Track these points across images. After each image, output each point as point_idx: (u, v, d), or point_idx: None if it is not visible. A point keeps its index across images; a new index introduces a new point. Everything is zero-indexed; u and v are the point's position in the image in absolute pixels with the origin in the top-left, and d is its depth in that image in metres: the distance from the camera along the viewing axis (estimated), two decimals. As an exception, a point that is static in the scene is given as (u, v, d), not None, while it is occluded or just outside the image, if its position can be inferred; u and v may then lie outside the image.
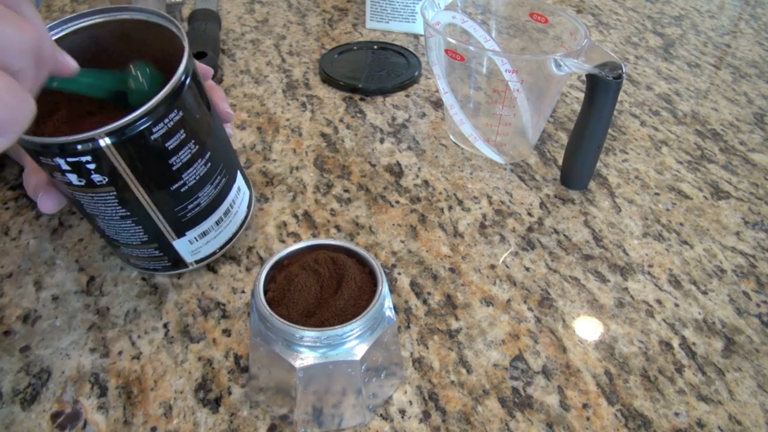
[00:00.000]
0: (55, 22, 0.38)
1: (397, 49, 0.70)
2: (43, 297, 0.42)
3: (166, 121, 0.34)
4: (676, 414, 0.36)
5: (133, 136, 0.33)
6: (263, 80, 0.65)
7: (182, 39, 0.36)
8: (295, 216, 0.49)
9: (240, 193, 0.44)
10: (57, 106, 0.40)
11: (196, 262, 0.43)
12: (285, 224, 0.48)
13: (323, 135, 0.58)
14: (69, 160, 0.32)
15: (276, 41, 0.73)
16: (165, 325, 0.40)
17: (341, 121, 0.60)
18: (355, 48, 0.71)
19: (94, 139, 0.32)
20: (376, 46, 0.71)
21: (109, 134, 0.32)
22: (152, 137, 0.33)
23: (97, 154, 0.32)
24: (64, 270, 0.44)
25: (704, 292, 0.44)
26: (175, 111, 0.34)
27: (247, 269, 0.44)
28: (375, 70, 0.66)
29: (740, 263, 0.47)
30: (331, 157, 0.55)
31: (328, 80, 0.65)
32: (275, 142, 0.57)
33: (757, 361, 0.40)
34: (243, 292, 0.43)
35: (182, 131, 0.35)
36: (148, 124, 0.33)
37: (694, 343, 0.41)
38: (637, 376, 0.38)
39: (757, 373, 0.39)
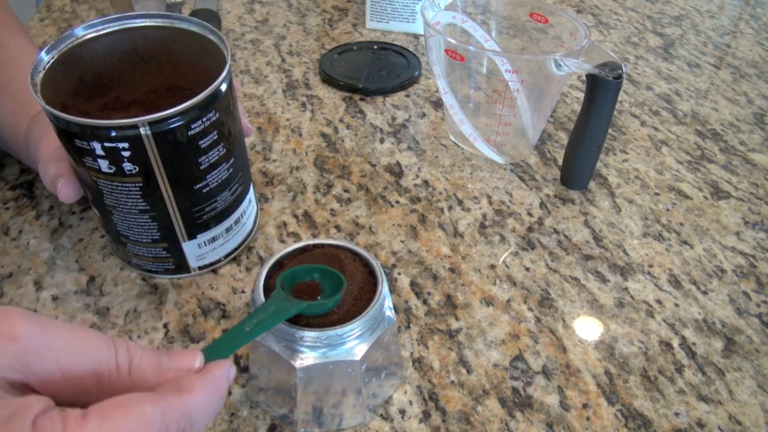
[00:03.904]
0: (97, 20, 0.40)
1: (397, 49, 0.70)
2: (43, 297, 0.42)
3: (204, 120, 0.35)
4: (676, 414, 0.36)
5: (173, 129, 0.34)
6: (263, 80, 0.65)
7: (225, 49, 0.38)
8: (295, 216, 0.49)
9: (251, 205, 0.45)
10: (96, 94, 0.41)
11: (199, 268, 0.43)
12: (285, 224, 0.48)
13: (323, 135, 0.58)
14: (105, 145, 0.34)
15: (276, 41, 0.73)
16: (165, 325, 0.40)
17: (341, 121, 0.60)
18: (355, 48, 0.71)
19: (135, 126, 0.33)
20: (376, 46, 0.71)
21: (151, 123, 0.33)
22: (189, 133, 0.35)
23: (135, 141, 0.34)
24: (64, 270, 0.44)
25: (704, 292, 0.44)
26: (213, 112, 0.36)
27: (247, 269, 0.44)
28: (375, 70, 0.66)
29: (740, 263, 0.47)
30: (331, 157, 0.55)
31: (328, 80, 0.65)
32: (275, 142, 0.57)
33: (757, 361, 0.40)
34: (243, 292, 0.43)
35: (215, 132, 0.37)
36: (188, 119, 0.34)
37: (694, 343, 0.41)
38: (637, 376, 0.38)
39: (757, 373, 0.39)
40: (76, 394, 0.21)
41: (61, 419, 0.18)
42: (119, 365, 0.22)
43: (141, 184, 0.36)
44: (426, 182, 0.53)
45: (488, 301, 0.43)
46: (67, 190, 0.39)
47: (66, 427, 0.18)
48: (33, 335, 0.20)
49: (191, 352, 0.24)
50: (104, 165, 0.35)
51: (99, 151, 0.34)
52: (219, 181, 0.39)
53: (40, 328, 0.20)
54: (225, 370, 0.24)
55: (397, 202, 0.51)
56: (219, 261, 0.44)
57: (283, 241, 0.47)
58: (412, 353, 0.39)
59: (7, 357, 0.19)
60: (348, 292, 0.32)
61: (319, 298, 0.32)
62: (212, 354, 0.25)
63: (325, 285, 0.33)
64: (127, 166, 0.35)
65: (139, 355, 0.23)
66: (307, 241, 0.36)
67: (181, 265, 0.42)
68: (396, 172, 0.54)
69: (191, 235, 0.40)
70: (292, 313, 0.30)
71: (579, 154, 0.50)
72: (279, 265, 0.34)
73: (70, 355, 0.21)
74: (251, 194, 0.45)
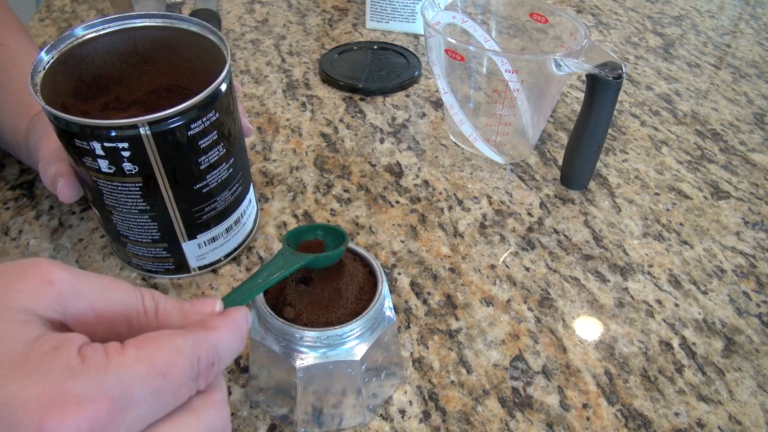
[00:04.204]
0: (97, 20, 0.40)
1: (397, 49, 0.70)
2: (43, 297, 0.42)
3: (204, 120, 0.35)
4: (676, 414, 0.37)
5: (173, 129, 0.34)
6: (263, 80, 0.65)
7: (225, 49, 0.38)
8: (295, 216, 0.49)
9: (251, 205, 0.45)
10: (95, 94, 0.41)
11: (199, 268, 0.43)
12: (285, 224, 0.48)
13: (323, 135, 0.58)
14: (105, 144, 0.34)
15: (276, 41, 0.73)
16: (165, 325, 0.40)
17: (341, 121, 0.60)
18: (355, 48, 0.71)
19: (135, 126, 0.33)
20: (376, 46, 0.71)
21: (151, 123, 0.33)
22: (189, 133, 0.35)
23: (135, 141, 0.34)
24: (64, 270, 0.44)
25: (704, 292, 0.44)
26: (213, 112, 0.36)
27: (247, 269, 0.44)
28: (375, 70, 0.66)
29: (740, 263, 0.47)
30: (331, 157, 0.55)
31: (328, 80, 0.65)
32: (275, 142, 0.57)
33: (757, 361, 0.40)
34: (243, 292, 0.43)
35: (215, 133, 0.37)
36: (188, 119, 0.34)
37: (694, 343, 0.41)
38: (637, 376, 0.38)
39: (757, 373, 0.39)
40: (109, 335, 0.22)
41: (103, 348, 0.20)
42: (146, 308, 0.24)
43: (141, 184, 0.36)
44: (426, 182, 0.53)
45: (488, 301, 0.43)
46: (67, 190, 0.39)
47: (108, 353, 0.20)
48: (67, 280, 0.22)
49: (210, 299, 0.26)
50: (104, 165, 0.35)
51: (99, 151, 0.34)
52: (219, 181, 0.39)
53: (73, 274, 0.22)
54: (244, 313, 0.26)
55: (397, 202, 0.51)
56: (219, 261, 0.44)
57: (283, 241, 0.47)
58: (412, 353, 0.39)
59: (46, 298, 0.21)
60: (348, 292, 0.32)
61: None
62: (229, 303, 0.27)
63: (328, 241, 0.34)
64: (127, 166, 0.35)
65: (164, 301, 0.24)
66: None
67: (181, 265, 0.42)
68: (396, 172, 0.54)
69: (191, 235, 0.40)
70: (299, 265, 0.31)
71: (579, 154, 0.50)
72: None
73: (101, 299, 0.22)
74: (251, 194, 0.45)
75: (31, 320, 0.20)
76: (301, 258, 0.31)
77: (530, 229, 0.49)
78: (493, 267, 0.45)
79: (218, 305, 0.26)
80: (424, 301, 0.43)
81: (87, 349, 0.20)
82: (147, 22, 0.40)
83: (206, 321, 0.24)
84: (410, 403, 0.36)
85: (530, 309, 0.42)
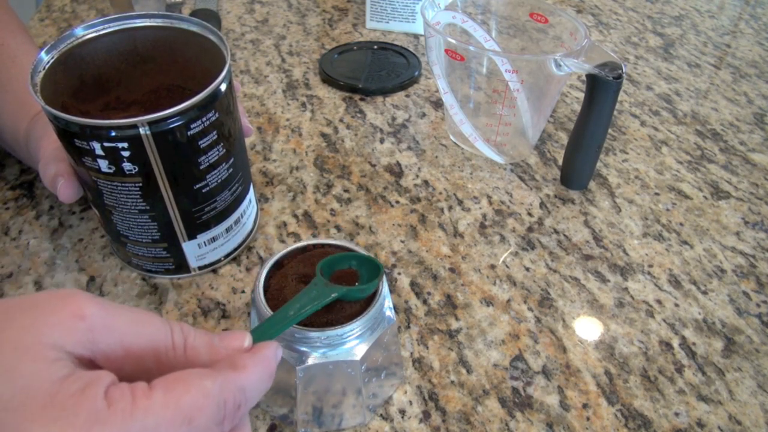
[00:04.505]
0: (97, 20, 0.40)
1: (397, 49, 0.70)
2: (43, 297, 0.42)
3: (204, 120, 0.35)
4: (676, 414, 0.37)
5: (172, 129, 0.34)
6: (263, 80, 0.65)
7: (225, 49, 0.38)
8: (295, 216, 0.49)
9: (251, 205, 0.45)
10: (95, 94, 0.41)
11: (200, 268, 0.43)
12: (285, 224, 0.48)
13: (323, 135, 0.58)
14: (105, 144, 0.34)
15: (276, 41, 0.73)
16: (165, 325, 0.40)
17: (341, 121, 0.60)
18: (355, 48, 0.71)
19: (135, 126, 0.33)
20: (376, 46, 0.71)
21: (150, 123, 0.33)
22: (189, 133, 0.35)
23: (135, 141, 0.34)
24: (64, 270, 0.44)
25: (704, 292, 0.44)
26: (213, 112, 0.36)
27: (247, 269, 0.44)
28: (375, 70, 0.66)
29: (740, 263, 0.47)
30: (331, 157, 0.55)
31: (328, 80, 0.65)
32: (275, 142, 0.57)
33: (757, 361, 0.40)
34: (243, 292, 0.43)
35: (214, 133, 0.37)
36: (188, 119, 0.34)
37: (694, 343, 0.41)
38: (637, 376, 0.38)
39: (757, 373, 0.39)
40: (137, 371, 0.22)
41: (130, 390, 0.20)
42: (175, 344, 0.23)
43: (141, 184, 0.36)
44: (426, 182, 0.53)
45: (488, 301, 0.43)
46: (67, 190, 0.39)
47: (135, 397, 0.20)
48: (98, 315, 0.21)
49: (240, 332, 0.26)
50: (104, 165, 0.35)
51: (99, 151, 0.34)
52: (219, 181, 0.39)
53: (104, 309, 0.22)
54: (273, 349, 0.26)
55: (397, 202, 0.51)
56: (219, 261, 0.44)
57: (283, 241, 0.47)
58: (412, 353, 0.39)
59: (76, 334, 0.21)
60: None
61: (356, 284, 0.33)
62: (258, 336, 0.27)
63: (362, 272, 0.34)
64: (127, 166, 0.35)
65: (192, 335, 0.24)
66: (307, 241, 0.36)
67: (181, 265, 0.42)
68: (396, 172, 0.54)
69: (191, 235, 0.40)
70: (332, 297, 0.30)
71: (579, 154, 0.50)
72: (279, 265, 0.34)
73: (131, 334, 0.22)
74: (251, 194, 0.45)
75: (60, 357, 0.20)
76: (334, 290, 0.31)
77: (530, 229, 0.49)
78: (493, 267, 0.45)
79: (247, 340, 0.26)
80: (424, 301, 0.43)
81: (114, 392, 0.20)
82: (147, 22, 0.40)
83: (235, 360, 0.24)
84: (410, 403, 0.36)
85: (530, 309, 0.42)
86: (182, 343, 0.24)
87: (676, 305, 0.43)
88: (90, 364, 0.21)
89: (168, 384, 0.21)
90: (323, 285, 0.31)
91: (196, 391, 0.21)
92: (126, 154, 0.34)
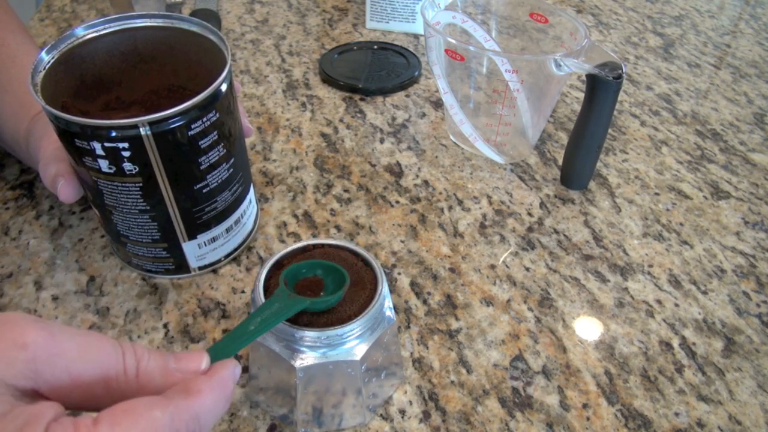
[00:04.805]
0: (97, 20, 0.40)
1: (397, 49, 0.70)
2: (43, 297, 0.42)
3: (204, 120, 0.35)
4: (676, 414, 0.37)
5: (173, 129, 0.34)
6: (263, 80, 0.65)
7: (225, 49, 0.38)
8: (295, 216, 0.49)
9: (251, 205, 0.45)
10: (96, 94, 0.41)
11: (200, 268, 0.43)
12: (285, 224, 0.48)
13: (323, 135, 0.58)
14: (106, 145, 0.34)
15: (276, 41, 0.73)
16: (165, 325, 0.40)
17: (341, 121, 0.60)
18: (355, 48, 0.71)
19: (135, 126, 0.33)
20: (376, 46, 0.71)
21: (151, 123, 0.33)
22: (189, 133, 0.35)
23: (135, 141, 0.34)
24: (64, 270, 0.44)
25: (704, 292, 0.44)
26: (213, 112, 0.36)
27: (247, 269, 0.44)
28: (375, 70, 0.66)
29: (740, 263, 0.47)
30: (331, 157, 0.55)
31: (328, 80, 0.65)
32: (275, 142, 0.57)
33: (757, 361, 0.40)
34: (243, 292, 0.43)
35: (215, 133, 0.37)
36: (188, 119, 0.34)
37: (694, 343, 0.41)
38: (637, 376, 0.38)
39: (757, 373, 0.39)
40: (86, 399, 0.21)
41: (73, 426, 0.19)
42: (127, 369, 0.22)
43: (141, 184, 0.36)
44: (426, 182, 0.53)
45: (488, 301, 0.43)
46: (67, 190, 0.39)
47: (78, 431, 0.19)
48: (42, 343, 0.20)
49: (197, 353, 0.24)
50: (104, 165, 0.35)
51: (99, 151, 0.34)
52: (219, 181, 0.39)
53: (50, 335, 0.20)
54: (230, 370, 0.24)
55: (397, 202, 0.51)
56: (219, 261, 0.44)
57: (283, 241, 0.47)
58: (412, 353, 0.39)
59: (17, 365, 0.20)
60: (348, 292, 0.32)
61: (322, 294, 0.32)
62: (217, 354, 0.25)
63: (328, 281, 0.33)
64: (127, 166, 0.35)
65: (146, 359, 0.23)
66: (307, 241, 0.36)
67: (181, 265, 0.42)
68: (396, 172, 0.54)
69: (191, 236, 0.40)
70: (295, 310, 0.30)
71: (579, 154, 0.50)
72: (279, 265, 0.34)
73: (79, 362, 0.21)
74: (251, 194, 0.45)
75: (0, 392, 0.19)
76: (298, 302, 0.30)
77: (530, 229, 0.49)
78: (493, 267, 0.45)
79: (204, 362, 0.24)
80: (424, 301, 0.43)
81: (56, 428, 0.18)
82: (147, 22, 0.40)
83: (189, 385, 0.22)
84: (410, 403, 0.36)
85: (530, 309, 0.42)
86: (134, 367, 0.22)
87: (676, 305, 0.43)
88: (34, 395, 0.20)
89: (114, 417, 0.19)
90: (286, 296, 0.30)
91: (145, 423, 0.20)
92: (126, 154, 0.34)
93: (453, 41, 0.48)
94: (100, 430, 0.19)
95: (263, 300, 0.32)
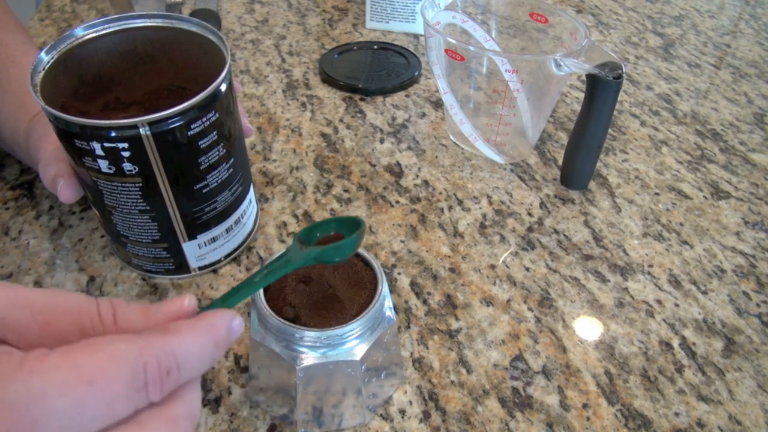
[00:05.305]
0: (97, 20, 0.40)
1: (397, 49, 0.70)
2: (43, 297, 0.42)
3: (204, 120, 0.35)
4: (676, 414, 0.37)
5: (173, 129, 0.34)
6: (263, 80, 0.65)
7: (225, 49, 0.38)
8: (295, 216, 0.49)
9: (251, 205, 0.45)
10: (95, 94, 0.41)
11: (200, 268, 0.43)
12: (285, 224, 0.48)
13: (323, 135, 0.58)
14: (105, 145, 0.34)
15: (276, 41, 0.73)
16: (165, 325, 0.40)
17: (341, 121, 0.60)
18: (355, 48, 0.71)
19: (135, 126, 0.33)
20: (376, 46, 0.71)
21: (150, 123, 0.33)
22: (189, 133, 0.35)
23: (135, 141, 0.34)
24: (64, 270, 0.44)
25: (704, 292, 0.44)
26: (213, 112, 0.36)
27: (247, 269, 0.44)
28: (375, 70, 0.66)
29: (740, 263, 0.47)
30: (331, 157, 0.55)
31: (328, 80, 0.65)
32: (275, 142, 0.57)
33: (757, 361, 0.40)
34: (243, 292, 0.43)
35: (215, 133, 0.37)
36: (188, 119, 0.34)
37: (694, 343, 0.41)
38: (637, 376, 0.38)
39: (757, 373, 0.39)
40: (60, 346, 0.20)
41: (20, 354, 0.18)
42: (102, 315, 0.21)
43: (141, 185, 0.36)
44: (426, 182, 0.53)
45: (488, 301, 0.43)
46: (67, 191, 0.39)
47: (24, 360, 0.18)
48: (3, 294, 0.20)
49: (181, 296, 0.23)
50: (104, 165, 0.35)
51: (99, 152, 0.34)
52: (219, 181, 0.39)
53: (12, 289, 0.21)
54: (223, 318, 0.23)
55: (397, 202, 0.51)
56: (219, 261, 0.44)
57: (283, 241, 0.47)
58: (412, 353, 0.39)
59: None
60: (348, 292, 0.32)
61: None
62: (218, 304, 0.24)
63: (346, 233, 0.30)
64: (127, 166, 0.35)
65: (124, 306, 0.22)
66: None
67: (181, 266, 0.42)
68: (396, 172, 0.54)
69: (191, 236, 0.40)
70: (305, 259, 0.27)
71: (579, 154, 0.50)
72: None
73: (46, 310, 0.21)
74: (251, 194, 0.45)
75: None
76: (308, 251, 0.27)
77: (530, 229, 0.49)
78: (493, 267, 0.45)
79: (187, 300, 0.23)
80: (424, 301, 0.43)
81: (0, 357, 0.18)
82: (147, 22, 0.40)
83: (168, 325, 0.21)
84: (410, 403, 0.36)
85: (530, 309, 0.42)
86: (111, 314, 0.21)
87: (676, 305, 0.43)
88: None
89: (72, 348, 0.18)
90: (297, 249, 0.27)
91: (103, 353, 0.19)
92: (126, 154, 0.34)
93: (453, 41, 0.48)
94: (51, 357, 0.18)
95: (263, 300, 0.32)
